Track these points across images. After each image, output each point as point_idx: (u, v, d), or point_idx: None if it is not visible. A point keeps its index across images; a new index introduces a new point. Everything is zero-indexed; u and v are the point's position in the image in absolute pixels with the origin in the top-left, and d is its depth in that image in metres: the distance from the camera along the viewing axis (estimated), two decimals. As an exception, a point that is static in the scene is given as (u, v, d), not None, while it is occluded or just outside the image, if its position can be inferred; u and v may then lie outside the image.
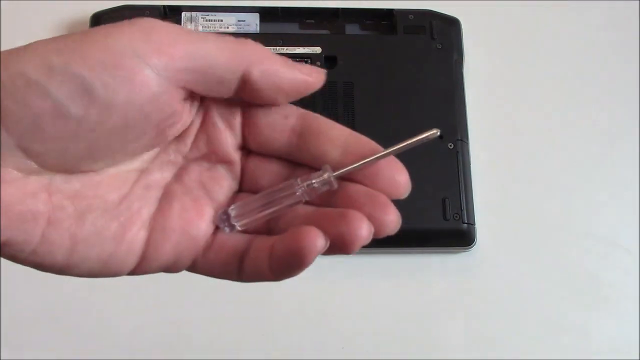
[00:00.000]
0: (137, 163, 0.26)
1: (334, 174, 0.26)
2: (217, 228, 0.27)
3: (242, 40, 0.25)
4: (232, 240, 0.26)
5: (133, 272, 0.26)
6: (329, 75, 0.60)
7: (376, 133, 0.56)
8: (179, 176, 0.27)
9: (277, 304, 0.54)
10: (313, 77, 0.26)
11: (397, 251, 0.56)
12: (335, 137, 0.26)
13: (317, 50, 0.59)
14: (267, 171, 0.28)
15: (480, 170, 0.57)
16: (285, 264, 0.25)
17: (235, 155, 0.28)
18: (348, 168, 0.26)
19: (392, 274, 0.56)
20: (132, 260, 0.26)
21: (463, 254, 0.56)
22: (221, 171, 0.28)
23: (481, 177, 0.57)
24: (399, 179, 0.26)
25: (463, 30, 0.61)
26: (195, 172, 0.27)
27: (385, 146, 0.26)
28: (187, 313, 0.54)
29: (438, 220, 0.54)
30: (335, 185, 0.26)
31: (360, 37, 0.61)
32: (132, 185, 0.26)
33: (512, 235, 0.57)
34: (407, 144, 0.26)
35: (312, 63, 0.58)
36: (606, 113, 0.62)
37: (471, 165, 0.57)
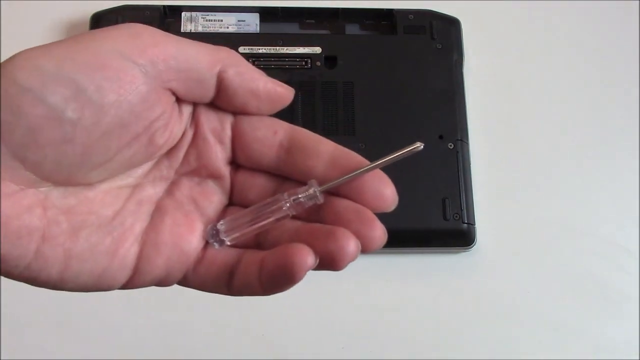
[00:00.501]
0: (130, 179, 0.27)
1: (320, 188, 0.26)
2: (207, 243, 0.27)
3: (219, 46, 0.27)
4: (222, 254, 0.27)
5: (125, 286, 0.26)
6: (329, 75, 0.60)
7: (376, 133, 0.56)
8: (170, 191, 0.28)
9: (277, 304, 0.54)
10: (286, 89, 0.27)
11: (397, 251, 0.56)
12: (322, 151, 0.27)
13: (317, 50, 0.59)
14: (255, 185, 0.28)
15: (480, 170, 0.57)
16: (275, 280, 0.25)
17: (225, 170, 0.28)
18: (333, 182, 0.26)
19: (392, 274, 0.56)
20: (124, 275, 0.26)
21: (463, 254, 0.56)
22: (211, 186, 0.28)
23: (481, 177, 0.57)
24: (385, 192, 0.26)
25: (463, 30, 0.61)
26: (186, 187, 0.28)
27: (378, 155, 0.26)
28: (187, 313, 0.54)
29: (438, 220, 0.54)
30: (321, 199, 0.26)
31: (360, 37, 0.61)
32: (125, 201, 0.27)
33: (512, 235, 0.57)
34: (392, 158, 0.26)
35: (312, 63, 0.58)
36: (606, 113, 0.62)
37: (471, 165, 0.57)
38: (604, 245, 0.57)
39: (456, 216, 0.54)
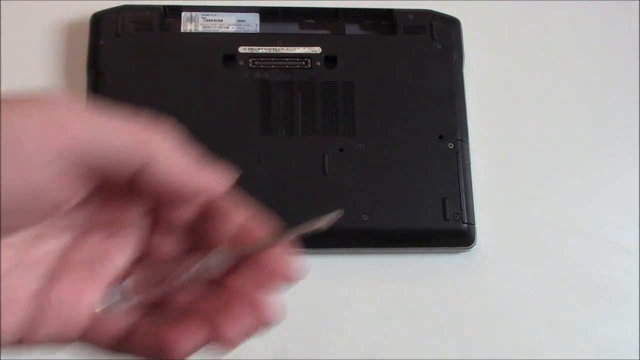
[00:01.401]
0: (30, 231, 0.25)
1: (225, 254, 0.26)
2: (108, 304, 0.26)
3: (151, 129, 0.24)
4: (119, 319, 0.26)
5: (14, 346, 0.25)
6: (329, 75, 0.60)
7: (376, 133, 0.56)
8: (75, 244, 0.26)
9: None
10: (219, 184, 0.26)
11: (397, 251, 0.56)
12: (234, 221, 0.27)
13: (317, 50, 0.59)
14: (169, 241, 0.28)
15: (480, 170, 0.57)
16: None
17: (139, 223, 0.27)
18: (239, 251, 0.26)
19: (392, 274, 0.56)
20: (10, 337, 0.24)
21: (463, 254, 0.56)
22: (123, 239, 0.27)
23: (481, 177, 0.57)
24: (286, 268, 0.26)
25: (463, 30, 0.61)
26: (96, 238, 0.26)
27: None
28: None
29: (438, 220, 0.54)
30: (225, 265, 0.26)
31: (360, 37, 0.61)
32: (22, 255, 0.25)
33: (512, 235, 0.57)
34: (296, 231, 0.27)
35: (312, 63, 0.58)
36: (606, 113, 0.62)
37: (471, 165, 0.57)
38: (604, 245, 0.57)
39: (456, 216, 0.54)
